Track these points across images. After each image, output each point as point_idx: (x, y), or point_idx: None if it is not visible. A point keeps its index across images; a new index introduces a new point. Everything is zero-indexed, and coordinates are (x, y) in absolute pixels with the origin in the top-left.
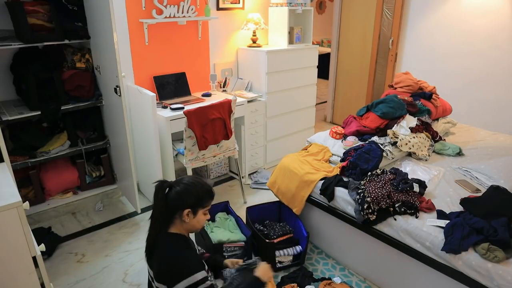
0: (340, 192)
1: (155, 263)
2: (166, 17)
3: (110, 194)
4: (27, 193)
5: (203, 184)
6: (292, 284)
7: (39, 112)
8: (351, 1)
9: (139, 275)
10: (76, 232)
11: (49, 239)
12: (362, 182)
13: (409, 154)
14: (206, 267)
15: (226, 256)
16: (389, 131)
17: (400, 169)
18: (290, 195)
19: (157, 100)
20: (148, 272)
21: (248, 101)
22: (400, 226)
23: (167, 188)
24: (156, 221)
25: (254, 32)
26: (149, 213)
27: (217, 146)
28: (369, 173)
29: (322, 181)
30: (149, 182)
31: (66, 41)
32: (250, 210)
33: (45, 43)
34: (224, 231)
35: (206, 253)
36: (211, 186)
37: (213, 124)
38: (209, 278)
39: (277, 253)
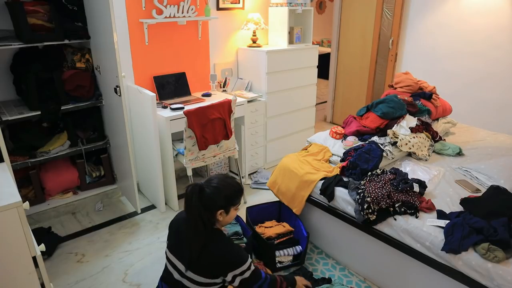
0: (340, 192)
1: (207, 257)
2: (166, 17)
3: (110, 194)
4: (27, 193)
5: (232, 184)
6: None
7: (39, 112)
8: (351, 1)
9: (139, 275)
10: (76, 232)
11: (49, 239)
12: (362, 182)
13: (409, 154)
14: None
15: None
16: (389, 131)
17: (400, 169)
18: (290, 195)
19: (157, 100)
20: (174, 268)
21: (248, 101)
22: (400, 226)
23: (199, 191)
24: (197, 222)
25: (254, 32)
26: (149, 213)
27: (217, 146)
28: (369, 173)
29: (322, 181)
30: (149, 182)
31: (66, 41)
32: (250, 210)
33: (45, 43)
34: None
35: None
36: (240, 184)
37: (213, 124)
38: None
39: (277, 253)
